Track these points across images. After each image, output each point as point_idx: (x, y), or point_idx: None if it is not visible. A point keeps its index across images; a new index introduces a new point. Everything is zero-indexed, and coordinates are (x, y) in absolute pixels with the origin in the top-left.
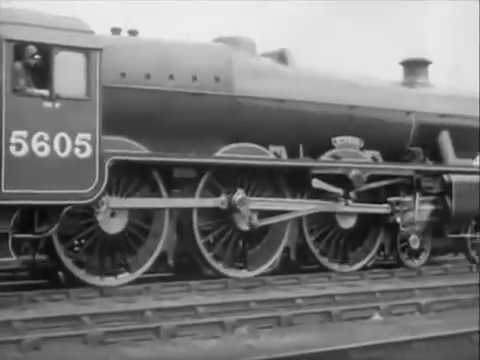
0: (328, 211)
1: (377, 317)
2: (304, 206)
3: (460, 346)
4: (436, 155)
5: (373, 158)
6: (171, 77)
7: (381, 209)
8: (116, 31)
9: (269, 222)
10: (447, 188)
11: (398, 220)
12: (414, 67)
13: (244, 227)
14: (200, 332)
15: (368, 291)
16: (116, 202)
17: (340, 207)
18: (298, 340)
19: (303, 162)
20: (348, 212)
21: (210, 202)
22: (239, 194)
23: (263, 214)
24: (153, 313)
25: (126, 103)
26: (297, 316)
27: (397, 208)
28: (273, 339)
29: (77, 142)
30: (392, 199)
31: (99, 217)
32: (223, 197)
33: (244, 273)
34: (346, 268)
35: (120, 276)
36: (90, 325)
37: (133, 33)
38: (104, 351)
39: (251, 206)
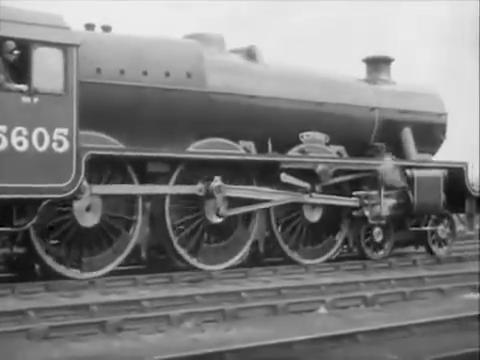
0: (300, 202)
1: (322, 310)
2: (277, 196)
3: (403, 338)
4: (399, 150)
5: (338, 153)
6: (145, 73)
7: (350, 202)
8: (90, 27)
9: (238, 212)
10: (409, 183)
11: (367, 213)
12: (377, 64)
13: (213, 220)
14: (146, 326)
15: (314, 284)
16: (98, 189)
17: (312, 198)
18: (243, 333)
19: (273, 157)
20: (316, 205)
21: (188, 189)
22: (217, 181)
23: (232, 206)
24: (98, 307)
25: (101, 98)
26: (242, 310)
27: (366, 202)
28: (218, 333)
29: (55, 137)
30: (360, 193)
31: (75, 210)
32: (200, 184)
33: (214, 267)
34: (311, 261)
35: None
36: (35, 320)
37: (107, 29)
38: (49, 346)
39: (227, 193)
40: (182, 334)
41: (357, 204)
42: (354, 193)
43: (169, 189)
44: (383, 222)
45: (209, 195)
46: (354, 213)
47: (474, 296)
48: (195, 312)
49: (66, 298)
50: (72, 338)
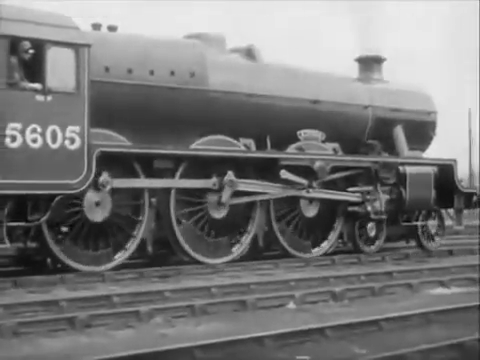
0: (302, 196)
1: (291, 305)
2: (283, 190)
3: (372, 333)
4: (391, 148)
5: (334, 150)
6: (151, 72)
7: (354, 197)
8: (96, 27)
9: (240, 201)
10: (401, 179)
11: (369, 209)
12: (369, 63)
13: (216, 215)
14: (115, 322)
15: (283, 280)
16: (119, 183)
17: (317, 193)
18: (213, 328)
19: (274, 154)
20: (313, 200)
21: (202, 183)
22: (230, 176)
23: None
24: (68, 303)
25: (109, 97)
26: (212, 305)
27: (368, 197)
28: (188, 328)
29: (67, 134)
30: (363, 189)
31: (85, 205)
32: (214, 178)
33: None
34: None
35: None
36: (3, 316)
37: (112, 29)
38: (18, 342)
39: (238, 187)
40: (151, 329)
41: (360, 199)
42: (356, 189)
43: (185, 183)
44: (384, 217)
45: (222, 189)
46: (350, 209)
47: (443, 291)
48: (165, 308)
49: (35, 294)
50: (41, 334)
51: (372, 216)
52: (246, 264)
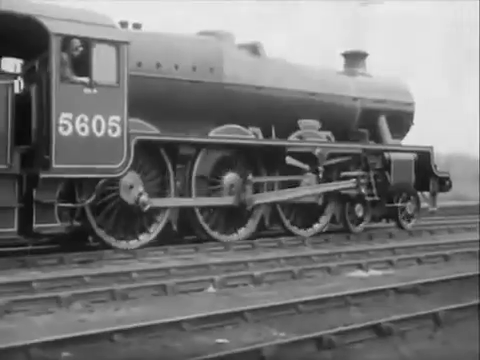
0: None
1: (211, 289)
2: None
3: (291, 316)
4: (376, 136)
5: (327, 138)
6: (176, 67)
7: (350, 184)
8: (123, 25)
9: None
10: (387, 164)
11: (363, 191)
12: (354, 58)
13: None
14: (35, 307)
15: (203, 264)
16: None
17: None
18: (133, 313)
19: (283, 142)
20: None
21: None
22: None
23: None
24: None
25: (141, 89)
26: (132, 290)
27: (362, 181)
28: (107, 313)
29: (110, 123)
30: (359, 174)
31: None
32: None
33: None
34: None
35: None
36: None
37: (137, 26)
38: None
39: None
40: (71, 315)
41: (355, 185)
42: (352, 174)
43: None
44: (377, 198)
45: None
46: (343, 192)
47: (361, 274)
48: (84, 293)
49: None
50: None
51: (366, 198)
52: (167, 248)
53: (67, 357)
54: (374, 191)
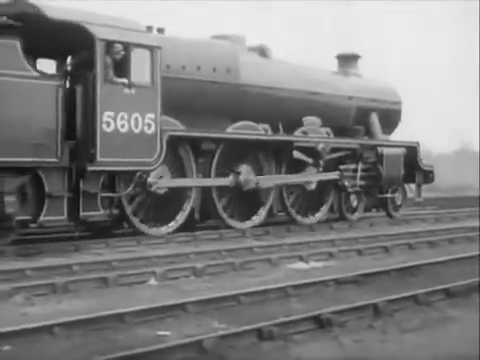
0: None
1: (153, 281)
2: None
3: (232, 307)
4: (368, 132)
5: (327, 134)
6: (198, 68)
7: (334, 175)
8: (149, 29)
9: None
10: (379, 158)
11: (346, 183)
12: (347, 60)
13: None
14: None
15: (144, 256)
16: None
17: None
18: (74, 306)
19: (291, 137)
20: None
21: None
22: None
23: None
24: None
25: (169, 89)
26: (73, 282)
27: (345, 174)
28: (49, 306)
29: (146, 121)
30: (342, 167)
31: (151, 179)
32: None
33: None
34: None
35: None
36: None
37: (160, 31)
38: None
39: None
40: (12, 308)
41: (338, 177)
42: (341, 167)
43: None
44: (358, 189)
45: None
46: (339, 183)
47: (302, 265)
48: (25, 286)
49: None
50: None
51: (349, 190)
52: (108, 241)
53: (8, 351)
54: (357, 182)
